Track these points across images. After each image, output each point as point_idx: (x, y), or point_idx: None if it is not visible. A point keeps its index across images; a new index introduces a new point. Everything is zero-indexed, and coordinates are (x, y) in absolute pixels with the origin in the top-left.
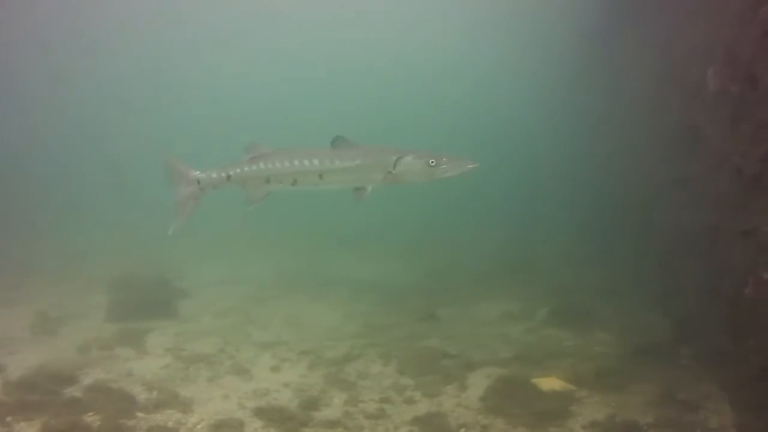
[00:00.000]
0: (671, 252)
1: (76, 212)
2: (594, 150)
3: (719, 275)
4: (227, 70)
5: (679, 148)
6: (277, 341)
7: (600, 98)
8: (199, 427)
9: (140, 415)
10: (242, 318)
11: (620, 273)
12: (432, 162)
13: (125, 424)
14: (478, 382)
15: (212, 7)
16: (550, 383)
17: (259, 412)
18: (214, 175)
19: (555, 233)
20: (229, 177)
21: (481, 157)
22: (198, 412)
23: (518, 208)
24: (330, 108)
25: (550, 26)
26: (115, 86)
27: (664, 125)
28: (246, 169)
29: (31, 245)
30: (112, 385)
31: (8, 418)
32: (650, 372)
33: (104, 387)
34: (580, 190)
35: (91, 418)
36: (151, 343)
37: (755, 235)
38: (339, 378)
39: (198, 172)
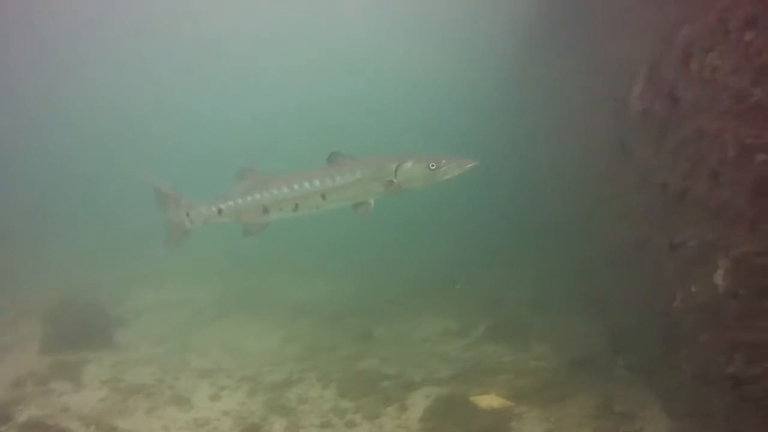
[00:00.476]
0: (606, 264)
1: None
2: (531, 163)
3: (651, 287)
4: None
5: (610, 163)
6: (216, 368)
7: (537, 111)
8: None
9: None
10: (181, 344)
11: (558, 286)
12: (432, 165)
13: None
14: (418, 402)
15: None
16: (488, 401)
17: None
18: (203, 210)
19: (492, 246)
20: (220, 211)
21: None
22: None
23: (454, 222)
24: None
25: (488, 40)
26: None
27: (597, 140)
28: (240, 201)
29: None
30: (48, 422)
31: None
32: (588, 384)
33: (40, 424)
34: (517, 202)
35: None
36: (87, 376)
37: (682, 249)
38: (279, 404)
39: (187, 205)
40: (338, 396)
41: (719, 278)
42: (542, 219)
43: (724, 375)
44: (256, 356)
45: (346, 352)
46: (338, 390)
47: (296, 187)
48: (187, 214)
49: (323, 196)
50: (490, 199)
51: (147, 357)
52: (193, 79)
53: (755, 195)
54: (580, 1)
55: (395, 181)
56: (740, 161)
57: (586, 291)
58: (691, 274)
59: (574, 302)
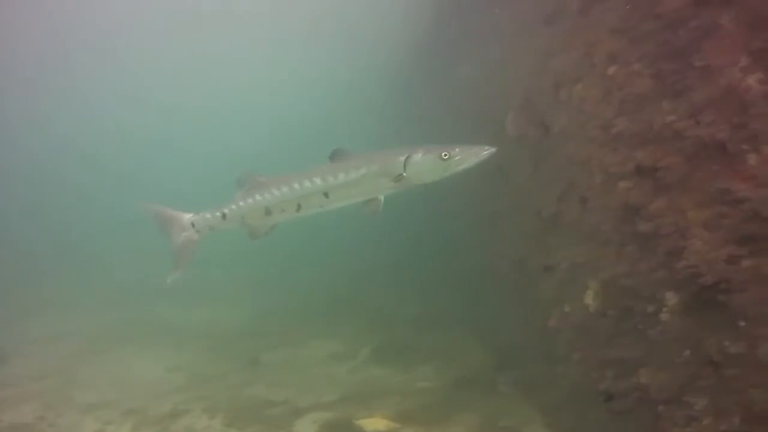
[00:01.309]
0: (490, 284)
1: None
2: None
3: (530, 307)
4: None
5: (490, 186)
6: (102, 402)
7: (425, 132)
8: None
9: None
10: (65, 378)
11: (445, 304)
12: (444, 155)
13: None
14: (305, 429)
15: None
16: (374, 424)
17: None
18: (208, 216)
19: (378, 266)
20: (224, 216)
21: None
22: None
23: (344, 242)
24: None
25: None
26: None
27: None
28: (242, 203)
29: None
30: None
31: None
32: (473, 402)
33: None
34: (402, 221)
35: None
36: None
37: (556, 271)
38: None
39: (191, 215)
40: (225, 426)
41: (590, 299)
42: (435, 237)
43: (597, 390)
44: (142, 387)
45: (233, 380)
46: (225, 420)
47: (297, 186)
48: (193, 225)
49: (326, 195)
50: (388, 216)
51: (29, 393)
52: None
53: (620, 220)
54: (469, 23)
55: (405, 174)
56: (606, 188)
57: (471, 310)
58: (564, 295)
59: (460, 321)
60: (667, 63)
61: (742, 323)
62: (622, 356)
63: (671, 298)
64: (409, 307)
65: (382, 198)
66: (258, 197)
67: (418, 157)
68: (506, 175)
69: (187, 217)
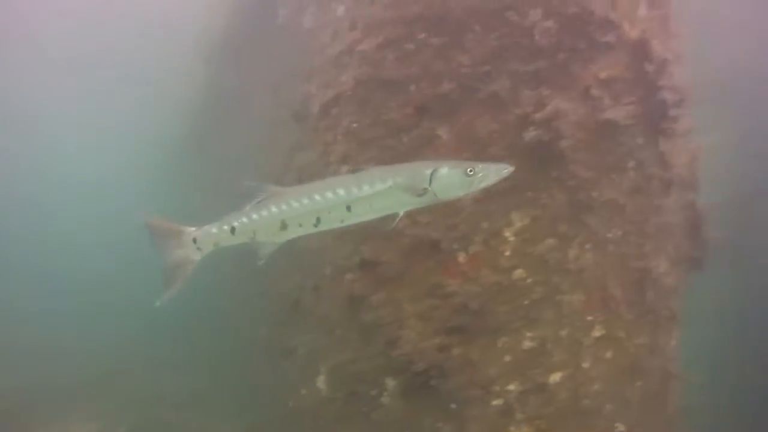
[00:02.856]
0: (246, 363)
1: None
2: None
3: (275, 388)
4: None
5: (246, 269)
6: None
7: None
8: None
9: None
10: None
11: (212, 381)
12: (470, 171)
13: None
14: None
15: None
16: None
17: None
18: (214, 231)
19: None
20: (233, 230)
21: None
22: None
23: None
24: None
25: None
26: None
27: None
28: (255, 216)
29: None
30: None
31: None
32: None
33: None
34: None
35: None
36: None
37: (296, 355)
38: None
39: (193, 230)
40: None
41: (321, 383)
42: (213, 312)
43: None
44: None
45: None
46: None
47: (318, 198)
48: (194, 241)
49: (349, 208)
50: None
51: None
52: None
53: (346, 309)
54: (235, 105)
55: (430, 189)
56: (335, 278)
57: (232, 388)
58: (302, 378)
59: (221, 399)
60: None
61: (453, 406)
62: None
63: (390, 383)
64: (183, 381)
65: (401, 214)
66: (274, 209)
67: (444, 171)
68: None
69: (189, 231)
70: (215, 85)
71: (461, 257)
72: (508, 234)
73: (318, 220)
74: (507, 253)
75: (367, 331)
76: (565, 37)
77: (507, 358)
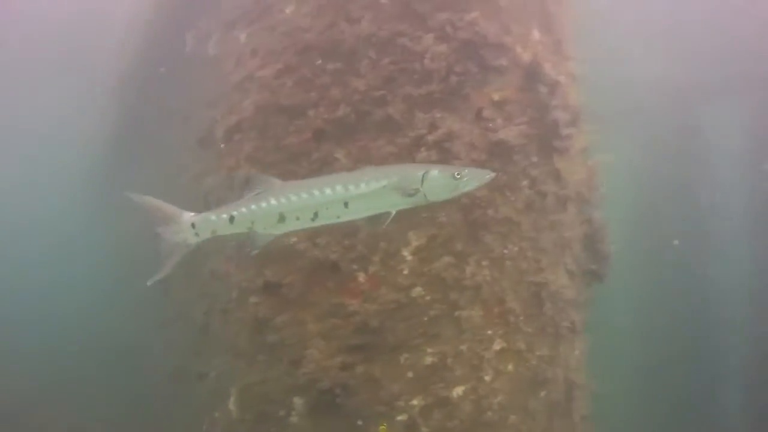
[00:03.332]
0: (162, 387)
1: None
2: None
3: (192, 413)
4: None
5: (158, 296)
6: None
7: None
8: None
9: None
10: None
11: (125, 408)
12: (457, 174)
13: None
14: None
15: None
16: None
17: None
18: (213, 218)
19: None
20: (232, 219)
21: None
22: None
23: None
24: None
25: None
26: None
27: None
28: (254, 207)
29: None
30: None
31: None
32: None
33: None
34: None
35: None
36: None
37: (207, 379)
38: None
39: (192, 215)
40: None
41: (232, 405)
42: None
43: None
44: None
45: None
46: None
47: (317, 193)
48: (193, 225)
49: (346, 205)
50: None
51: None
52: None
53: (252, 332)
54: (147, 135)
55: (421, 190)
56: (241, 301)
57: (147, 416)
58: (214, 401)
59: (137, 427)
60: None
61: (360, 422)
62: None
63: (298, 403)
64: (99, 413)
65: (393, 213)
66: (273, 202)
67: (435, 173)
68: (167, 285)
69: (188, 216)
70: (129, 114)
71: (361, 277)
72: (405, 253)
73: (315, 215)
74: (405, 272)
75: (273, 352)
76: (457, 61)
77: (409, 374)
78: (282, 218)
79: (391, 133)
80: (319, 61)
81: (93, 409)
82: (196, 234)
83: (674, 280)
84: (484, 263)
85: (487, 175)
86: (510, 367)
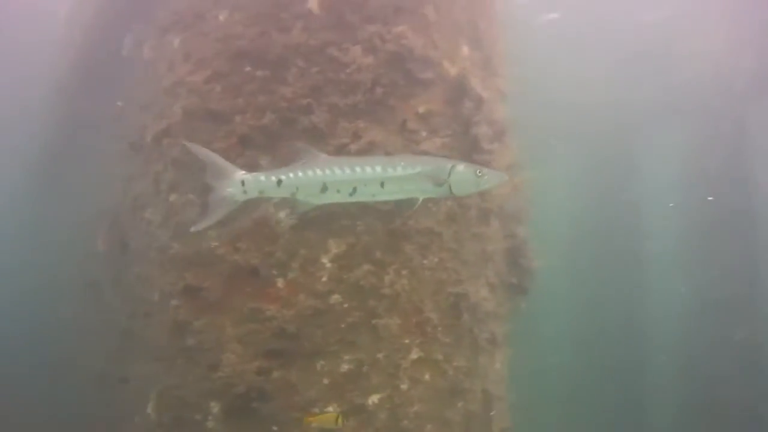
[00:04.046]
0: (85, 393)
1: None
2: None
3: (115, 416)
4: None
5: (85, 302)
6: None
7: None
8: None
9: None
10: None
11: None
12: (479, 172)
13: None
14: None
15: None
16: None
17: None
18: (262, 179)
19: None
20: (280, 182)
21: None
22: None
23: None
24: None
25: None
26: None
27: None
28: (301, 174)
29: None
30: None
31: None
32: None
33: None
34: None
35: None
36: None
37: (129, 383)
38: None
39: (243, 172)
40: None
41: (151, 409)
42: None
43: None
44: None
45: None
46: None
47: (358, 170)
48: (243, 183)
49: (382, 185)
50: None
51: None
52: None
53: (172, 335)
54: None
55: (447, 181)
56: (162, 305)
57: (70, 422)
58: (135, 406)
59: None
60: None
61: (275, 428)
62: None
63: (215, 407)
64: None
65: (420, 200)
66: (319, 172)
67: (461, 168)
68: (99, 290)
69: (240, 174)
70: (66, 116)
71: (280, 283)
72: (325, 260)
73: (354, 190)
74: (324, 279)
75: (192, 355)
76: (384, 73)
77: (325, 381)
78: (324, 188)
79: (314, 141)
80: (248, 68)
81: (17, 415)
82: (245, 191)
83: (606, 294)
84: (404, 272)
85: (504, 177)
86: (427, 376)
